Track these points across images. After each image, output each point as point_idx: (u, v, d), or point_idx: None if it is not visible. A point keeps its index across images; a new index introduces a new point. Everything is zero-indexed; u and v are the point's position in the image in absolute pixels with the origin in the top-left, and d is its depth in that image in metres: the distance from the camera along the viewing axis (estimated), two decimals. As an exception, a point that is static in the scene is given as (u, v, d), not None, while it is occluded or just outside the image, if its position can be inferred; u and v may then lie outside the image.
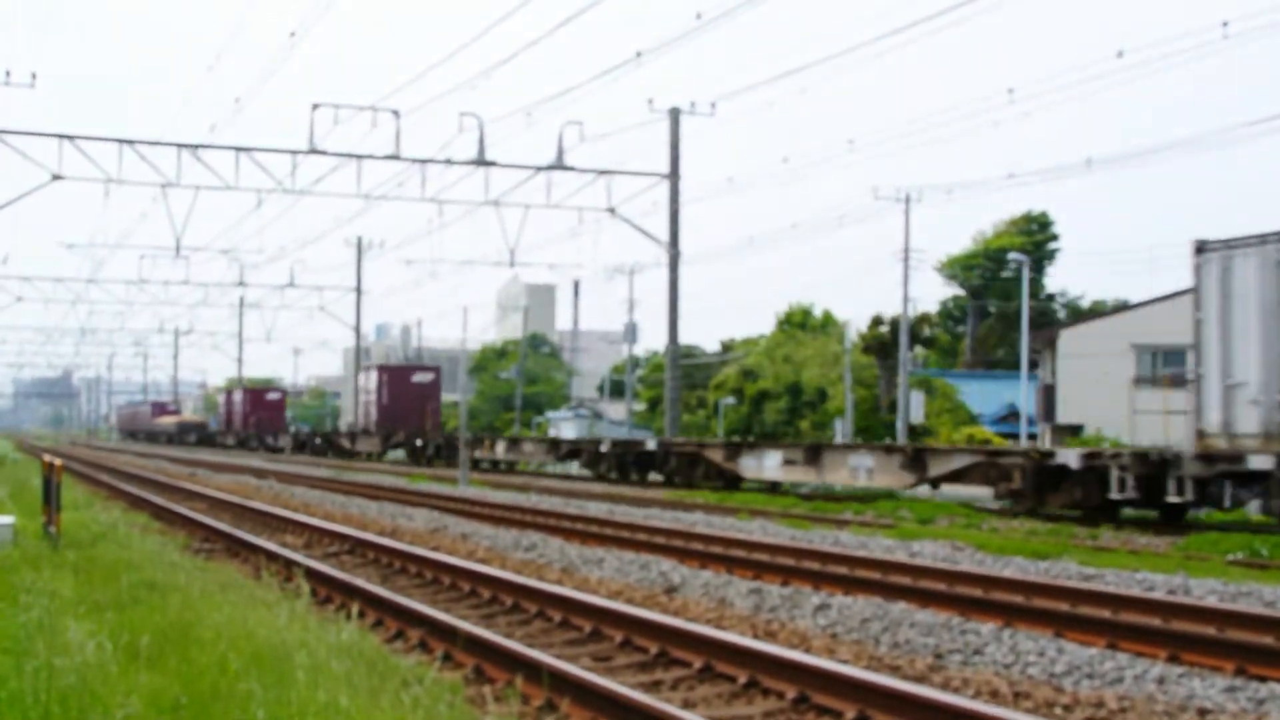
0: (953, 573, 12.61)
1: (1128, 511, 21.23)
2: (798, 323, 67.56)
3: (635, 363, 70.69)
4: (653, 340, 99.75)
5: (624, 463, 34.09)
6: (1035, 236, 72.84)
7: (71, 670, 6.72)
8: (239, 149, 33.48)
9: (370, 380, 56.29)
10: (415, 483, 31.82)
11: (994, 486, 22.30)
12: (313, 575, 11.68)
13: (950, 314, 77.84)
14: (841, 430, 49.02)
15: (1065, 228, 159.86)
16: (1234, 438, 18.64)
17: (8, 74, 30.12)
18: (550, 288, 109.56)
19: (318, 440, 64.31)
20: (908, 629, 9.70)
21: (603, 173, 35.88)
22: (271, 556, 13.80)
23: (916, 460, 23.83)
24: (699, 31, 24.38)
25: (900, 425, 45.61)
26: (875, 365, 54.98)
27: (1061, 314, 74.21)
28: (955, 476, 23.36)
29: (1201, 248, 19.33)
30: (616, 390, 77.66)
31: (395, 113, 32.05)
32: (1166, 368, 46.55)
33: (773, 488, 29.12)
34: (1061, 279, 76.99)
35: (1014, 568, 13.66)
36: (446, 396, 69.36)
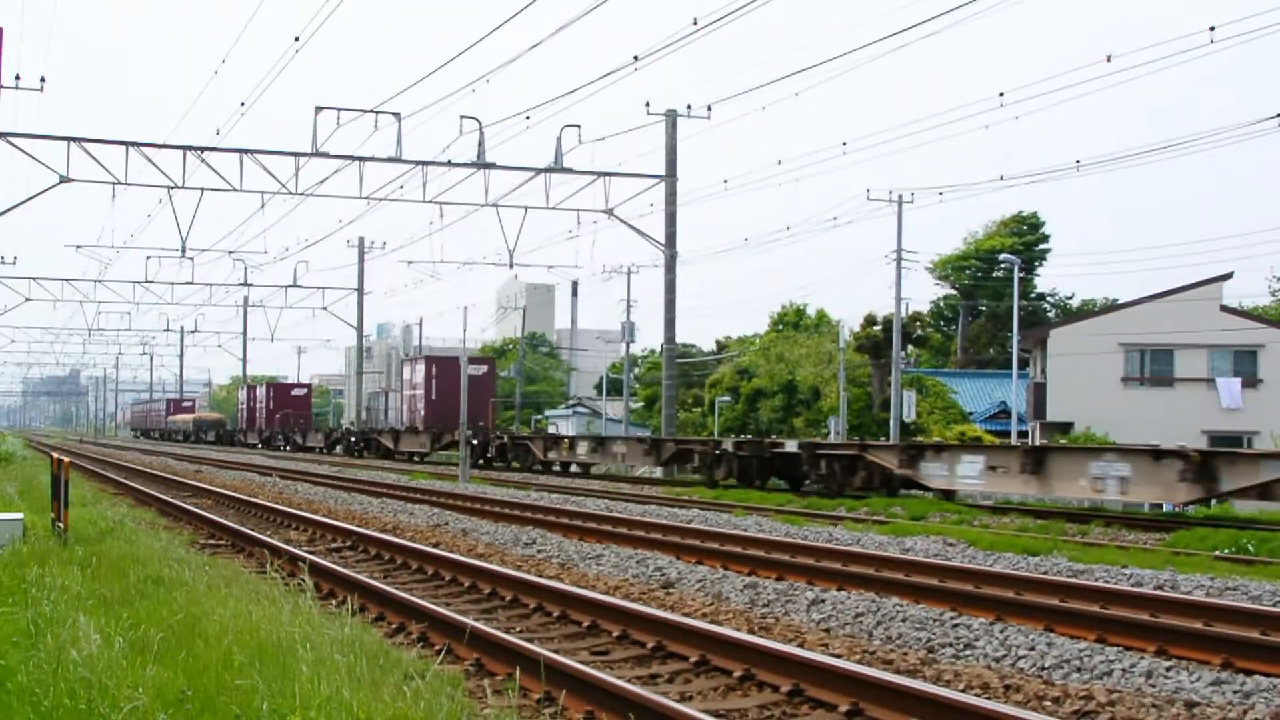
0: (945, 568, 12.75)
1: (1118, 508, 21.32)
2: (792, 322, 67.71)
3: (633, 361, 70.75)
4: (650, 339, 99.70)
5: (753, 467, 28.69)
6: (1026, 237, 73.03)
7: (80, 663, 6.85)
8: (243, 152, 33.62)
9: (416, 373, 51.15)
10: (416, 480, 31.95)
11: None
12: (316, 570, 11.81)
13: (942, 314, 78.02)
14: (835, 428, 49.17)
15: (1055, 229, 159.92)
16: None
17: (17, 78, 30.26)
18: (549, 288, 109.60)
19: (353, 439, 59.14)
20: (900, 623, 9.82)
21: (601, 175, 35.98)
22: (275, 552, 13.93)
23: (1205, 470, 18.79)
24: (695, 37, 24.44)
25: (893, 423, 45.78)
26: (868, 364, 55.16)
27: (1052, 314, 74.36)
28: (1263, 491, 18.64)
29: None
30: (614, 389, 77.71)
31: (397, 116, 32.18)
32: (1155, 366, 46.74)
33: (946, 497, 23.42)
34: (1052, 279, 77.15)
35: (1005, 563, 13.79)
36: None
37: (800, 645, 9.02)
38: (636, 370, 74.09)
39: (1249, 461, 18.93)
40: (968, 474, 22.64)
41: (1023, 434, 48.66)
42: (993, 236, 73.88)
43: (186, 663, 7.19)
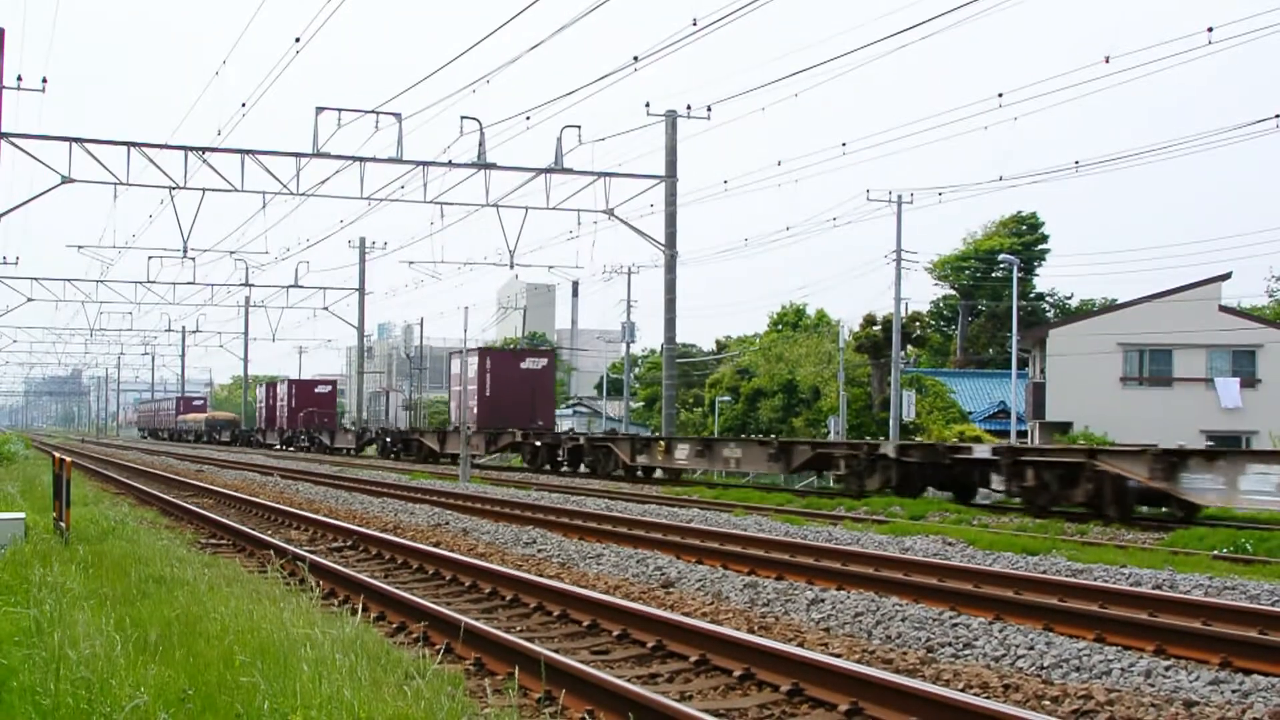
0: (944, 567, 12.78)
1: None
2: (792, 322, 67.76)
3: (633, 361, 70.78)
4: (650, 339, 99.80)
5: (922, 476, 24.46)
6: (1025, 237, 73.11)
7: (82, 662, 6.87)
8: (245, 152, 33.66)
9: (470, 367, 45.42)
10: (416, 479, 31.97)
11: None
12: (317, 570, 11.83)
13: (941, 314, 78.09)
14: (835, 428, 49.22)
15: (1055, 229, 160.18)
16: None
17: (19, 79, 30.29)
18: (549, 288, 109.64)
19: (389, 439, 53.94)
20: (900, 623, 9.84)
21: (601, 175, 36.01)
22: (277, 551, 13.95)
23: None
24: (695, 37, 24.44)
25: (893, 423, 45.83)
26: (868, 364, 55.19)
27: (1050, 314, 74.42)
28: None
29: None
30: (614, 389, 77.74)
31: (397, 116, 32.21)
32: (1154, 366, 46.79)
33: (1188, 513, 19.74)
34: (1051, 279, 77.26)
35: (1004, 563, 13.81)
36: (446, 394, 68.55)
37: (800, 645, 9.04)
38: (636, 370, 74.12)
39: None
40: (1258, 489, 18.29)
41: (1021, 434, 48.70)
42: (992, 236, 73.95)
43: (188, 662, 7.21)
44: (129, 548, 13.19)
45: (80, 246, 51.43)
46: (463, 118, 33.31)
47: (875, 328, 53.77)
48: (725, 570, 13.11)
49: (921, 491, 24.39)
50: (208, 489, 27.36)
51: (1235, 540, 16.13)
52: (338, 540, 16.76)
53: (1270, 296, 68.49)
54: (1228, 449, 21.72)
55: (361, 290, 66.11)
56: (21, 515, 14.61)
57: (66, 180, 32.30)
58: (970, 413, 57.75)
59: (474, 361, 45.31)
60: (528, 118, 31.15)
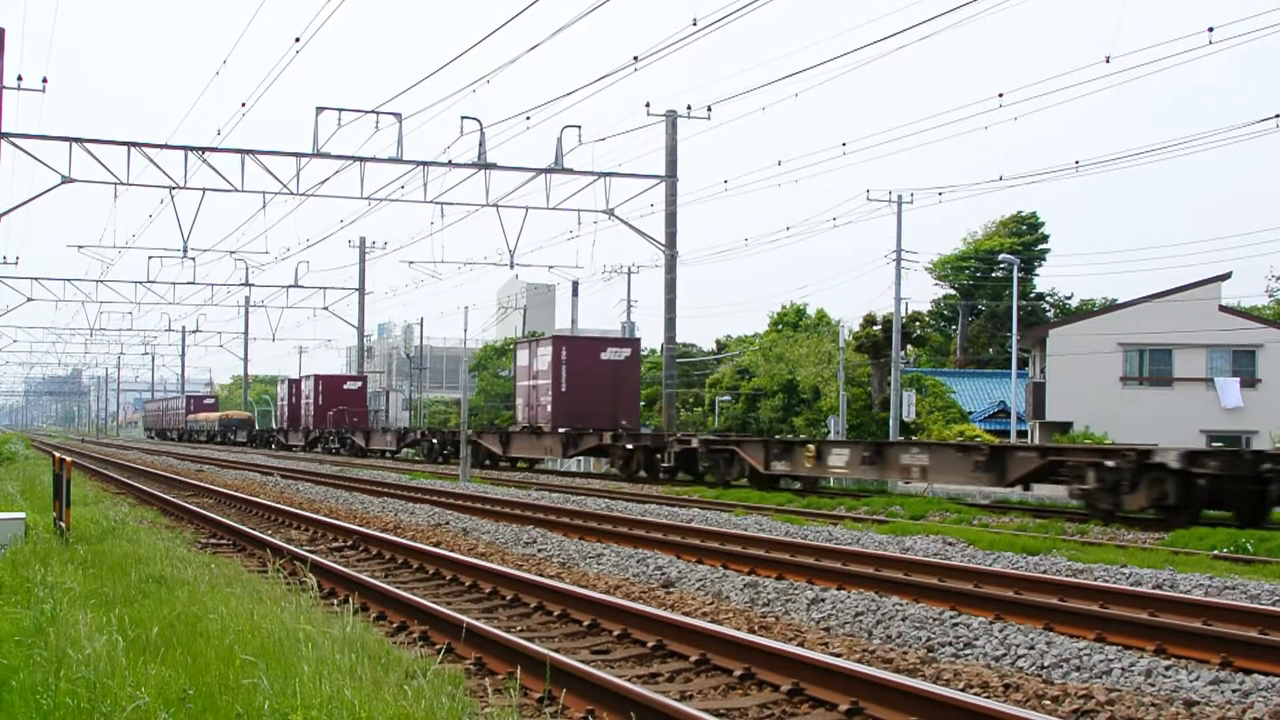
0: (944, 567, 12.78)
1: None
2: (792, 322, 67.79)
3: (634, 361, 70.67)
4: (650, 339, 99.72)
5: (1223, 492, 18.75)
6: (1025, 237, 73.15)
7: (82, 662, 6.87)
8: (245, 152, 33.69)
9: (541, 358, 39.01)
10: (417, 479, 31.98)
11: None
12: (317, 569, 11.84)
13: (941, 313, 78.14)
14: (835, 428, 49.25)
15: (1055, 229, 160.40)
16: None
17: (19, 79, 30.31)
18: (549, 288, 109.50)
19: (434, 440, 48.24)
20: (900, 622, 9.84)
21: (601, 175, 36.03)
22: (277, 551, 13.96)
23: None
24: (695, 37, 24.43)
25: (893, 422, 45.84)
26: (868, 364, 55.20)
27: (1050, 313, 74.45)
28: None
29: None
30: (615, 388, 77.64)
31: (397, 116, 32.24)
32: (1154, 366, 46.81)
33: None
34: (1051, 279, 77.39)
35: (1004, 562, 13.82)
36: (447, 394, 68.02)
37: (800, 644, 9.05)
38: (637, 370, 74.06)
39: None
40: None
41: (1021, 434, 48.73)
42: (992, 236, 73.99)
43: (188, 662, 7.21)
44: (129, 548, 13.19)
45: (80, 246, 51.50)
46: (463, 118, 33.36)
47: (875, 328, 53.79)
48: (725, 570, 13.11)
49: (1199, 514, 19.15)
50: (208, 489, 27.36)
51: (1235, 540, 16.13)
52: (338, 540, 16.76)
53: (1270, 296, 68.53)
54: None
55: (361, 290, 66.16)
56: (21, 515, 14.62)
57: (66, 180, 32.32)
58: (970, 413, 57.80)
59: (547, 351, 38.68)
60: (528, 118, 31.18)
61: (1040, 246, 75.08)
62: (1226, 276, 47.43)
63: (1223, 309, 47.19)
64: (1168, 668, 8.15)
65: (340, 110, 32.10)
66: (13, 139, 31.32)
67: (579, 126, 34.55)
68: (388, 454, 54.03)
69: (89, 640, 7.39)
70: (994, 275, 72.66)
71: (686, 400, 65.61)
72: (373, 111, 31.81)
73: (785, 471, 27.62)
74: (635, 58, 26.70)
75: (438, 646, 8.92)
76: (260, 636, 7.67)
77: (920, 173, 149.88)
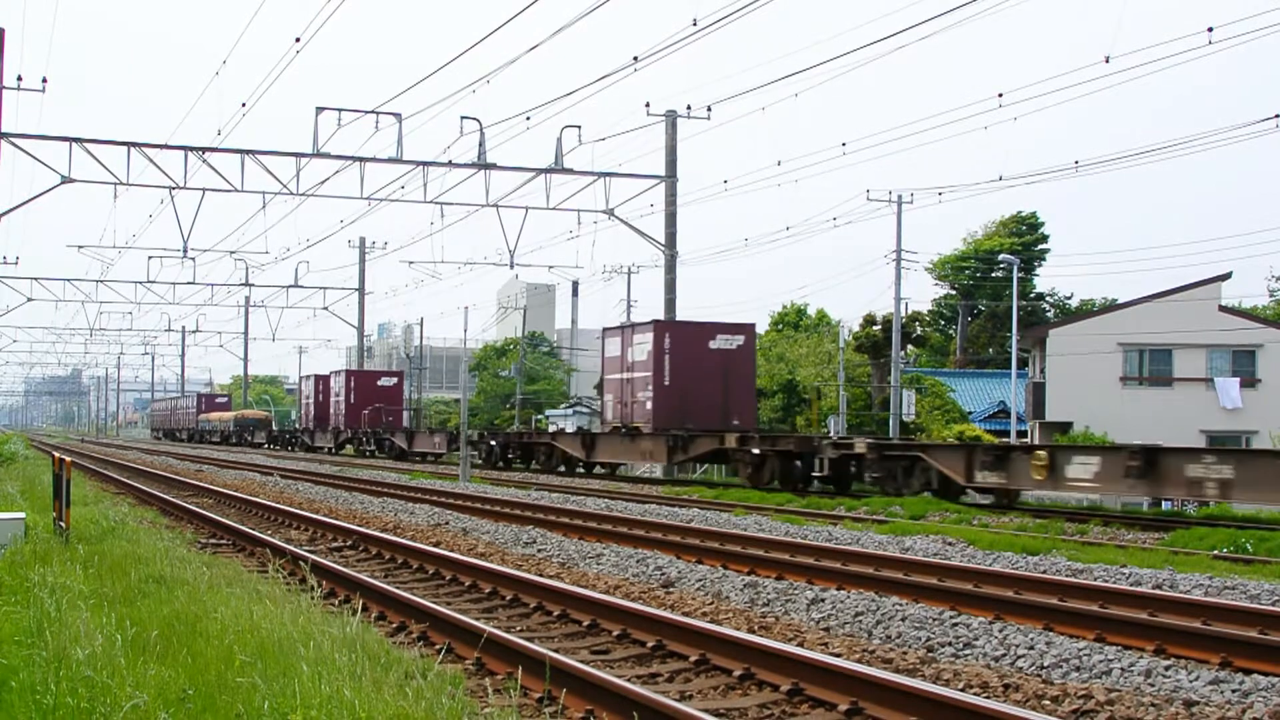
0: (944, 567, 12.79)
1: (1117, 507, 21.28)
2: (792, 322, 67.79)
3: (634, 361, 70.69)
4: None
5: None
6: (1025, 237, 73.16)
7: (81, 662, 6.88)
8: (245, 152, 33.71)
9: (637, 347, 33.20)
10: (416, 479, 31.98)
11: None
12: (317, 570, 11.84)
13: (941, 313, 78.12)
14: (835, 427, 49.24)
15: (1054, 229, 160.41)
16: None
17: (19, 79, 30.34)
18: (549, 288, 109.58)
19: (494, 443, 42.23)
20: (900, 622, 9.85)
21: (601, 175, 36.05)
22: (277, 551, 13.96)
23: None
24: (695, 37, 24.43)
25: (893, 423, 45.86)
26: (868, 364, 55.22)
27: (1050, 313, 74.46)
28: None
29: None
30: (615, 388, 77.66)
31: (397, 116, 32.26)
32: (1153, 366, 46.82)
33: None
34: (1050, 279, 77.44)
35: (1004, 562, 13.82)
36: (447, 394, 67.50)
37: (800, 644, 9.05)
38: (637, 370, 74.06)
39: None
40: None
41: (1021, 434, 48.72)
42: (992, 236, 74.00)
43: (188, 662, 7.22)
44: (129, 548, 13.20)
45: (80, 246, 51.52)
46: (463, 118, 33.38)
47: (875, 328, 53.80)
48: (725, 570, 13.11)
49: None
50: (207, 489, 27.37)
51: (1235, 540, 16.14)
52: (338, 540, 16.77)
53: (1270, 296, 68.55)
54: None
55: (361, 290, 66.15)
56: (21, 515, 14.63)
57: (66, 180, 32.34)
58: (970, 413, 57.79)
59: (646, 339, 32.87)
60: (528, 118, 31.18)
61: (1040, 246, 75.09)
62: (1226, 276, 47.44)
63: (1223, 309, 47.20)
64: (1167, 668, 8.16)
65: (340, 110, 32.14)
66: (13, 139, 31.33)
67: (579, 126, 34.57)
68: (431, 457, 49.17)
69: (89, 640, 7.40)
70: (994, 275, 72.66)
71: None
72: (373, 111, 31.85)
73: (998, 484, 21.79)
74: (635, 58, 26.71)
75: (437, 646, 8.92)
76: (260, 636, 7.68)
77: (920, 173, 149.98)
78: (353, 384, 59.45)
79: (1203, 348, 46.01)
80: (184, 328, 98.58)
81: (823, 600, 10.86)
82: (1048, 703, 7.46)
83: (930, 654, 8.96)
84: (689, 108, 37.18)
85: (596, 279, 79.91)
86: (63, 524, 14.58)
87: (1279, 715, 7.09)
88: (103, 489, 28.10)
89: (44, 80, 30.70)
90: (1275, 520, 19.60)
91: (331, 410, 61.58)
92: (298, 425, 70.43)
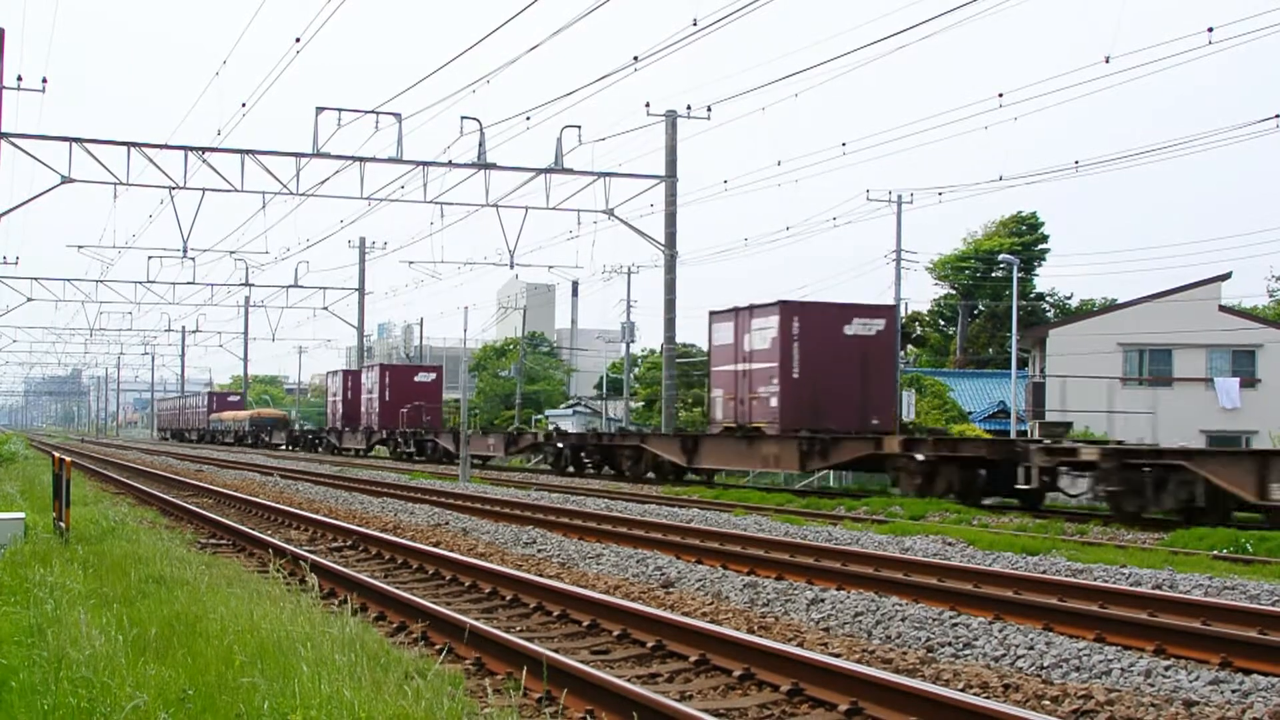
0: (944, 567, 12.79)
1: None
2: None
3: (633, 361, 70.81)
4: (650, 339, 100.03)
5: None
6: (1025, 237, 73.15)
7: (82, 662, 6.89)
8: (245, 152, 33.73)
9: (758, 334, 28.51)
10: (416, 479, 31.98)
11: None
12: (317, 570, 11.84)
13: (941, 313, 78.12)
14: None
15: (1054, 229, 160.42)
16: None
17: (19, 79, 30.36)
18: (549, 288, 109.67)
19: (561, 446, 37.67)
20: (900, 623, 9.85)
21: (601, 175, 36.06)
22: (277, 551, 13.96)
23: None
24: (695, 37, 24.46)
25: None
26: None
27: (1050, 314, 74.46)
28: None
29: None
30: (614, 389, 77.78)
31: (397, 116, 32.28)
32: (1153, 366, 46.82)
33: None
34: (1050, 279, 77.46)
35: (1004, 562, 13.82)
36: (447, 394, 66.99)
37: (800, 644, 9.05)
38: (636, 370, 74.13)
39: None
40: None
41: (1021, 434, 48.71)
42: (992, 237, 73.99)
43: (188, 662, 7.22)
44: (129, 548, 13.20)
45: (80, 246, 51.55)
46: (463, 118, 33.39)
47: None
48: (725, 570, 13.12)
49: None
50: (207, 489, 27.37)
51: (1235, 540, 16.14)
52: (338, 540, 16.77)
53: (1270, 296, 68.52)
54: None
55: (361, 290, 66.17)
56: (21, 515, 14.64)
57: (66, 180, 32.35)
58: (970, 412, 57.75)
59: (769, 323, 27.93)
60: (528, 118, 31.20)
61: (1040, 246, 75.06)
62: (1226, 276, 47.45)
63: (1223, 309, 47.20)
64: (1167, 668, 8.16)
65: (340, 110, 32.15)
66: (13, 139, 31.34)
67: (579, 126, 34.58)
68: (495, 458, 44.87)
69: (89, 640, 7.40)
70: (994, 275, 72.66)
71: (686, 401, 65.62)
72: (373, 111, 31.86)
73: None
74: (635, 58, 26.73)
75: (437, 646, 8.92)
76: (260, 636, 7.68)
77: (920, 173, 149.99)
78: (388, 380, 54.59)
79: (1202, 348, 46.01)
80: (184, 328, 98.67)
81: (822, 600, 10.86)
82: (1048, 703, 7.46)
83: (930, 654, 8.96)
84: (689, 108, 37.23)
85: (596, 279, 79.91)
86: (62, 524, 14.58)
87: (1279, 715, 7.09)
88: (102, 489, 28.10)
89: (44, 80, 30.75)
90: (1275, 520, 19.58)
91: (363, 409, 56.89)
92: (325, 425, 65.46)
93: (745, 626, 9.95)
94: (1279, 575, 13.18)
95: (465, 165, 34.55)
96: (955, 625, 9.64)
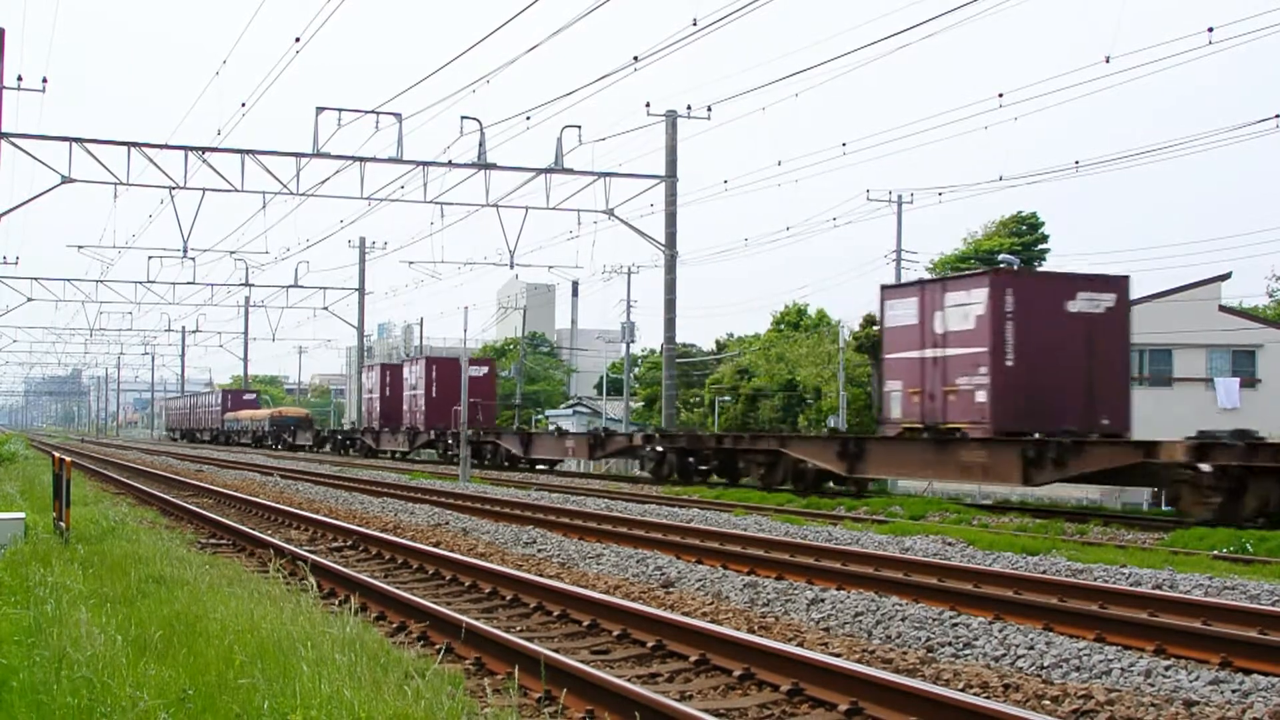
0: (944, 567, 12.79)
1: (1118, 507, 21.24)
2: (792, 322, 67.82)
3: (633, 361, 70.83)
4: (650, 339, 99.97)
5: None
6: (1025, 237, 73.17)
7: (82, 662, 6.89)
8: (245, 152, 33.72)
9: (954, 311, 22.99)
10: (416, 479, 31.97)
11: None
12: (317, 570, 11.84)
13: (942, 313, 78.12)
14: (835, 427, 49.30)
15: (1055, 229, 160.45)
16: None
17: (19, 79, 30.35)
18: (549, 288, 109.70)
19: (663, 449, 31.30)
20: (900, 622, 9.85)
21: (601, 175, 36.05)
22: (277, 551, 13.96)
23: None
24: (695, 37, 24.46)
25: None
26: (868, 363, 55.19)
27: (1052, 313, 74.40)
28: None
29: None
30: (614, 389, 77.80)
31: (397, 116, 32.27)
32: (1153, 366, 46.76)
33: None
34: (1051, 279, 77.21)
35: (1004, 562, 13.82)
36: None
37: (800, 644, 9.05)
38: (636, 370, 74.17)
39: None
40: None
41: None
42: (992, 237, 74.00)
43: (188, 662, 7.22)
44: (129, 548, 13.20)
45: (80, 246, 51.53)
46: (463, 118, 33.38)
47: (875, 328, 53.77)
48: (725, 570, 13.12)
49: None
50: (207, 489, 27.36)
51: (1235, 540, 16.13)
52: (338, 540, 16.77)
53: (1270, 296, 68.49)
54: None
55: (361, 290, 66.15)
56: (21, 515, 14.64)
57: (66, 180, 32.34)
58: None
59: (974, 297, 22.62)
60: (528, 118, 31.19)
61: (1040, 246, 75.07)
62: (1226, 276, 47.42)
63: (1223, 309, 47.18)
64: (1167, 668, 8.16)
65: (340, 110, 32.14)
66: (13, 139, 31.32)
67: (579, 126, 34.56)
68: (568, 461, 40.43)
69: (89, 640, 7.40)
70: (994, 275, 72.68)
71: (686, 401, 65.65)
72: (373, 111, 31.85)
73: None
74: (635, 58, 26.72)
75: (437, 646, 8.92)
76: (260, 636, 7.68)
77: (920, 173, 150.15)
78: (435, 375, 48.97)
79: (1202, 348, 45.99)
80: (184, 328, 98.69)
81: (822, 600, 10.86)
82: (1048, 703, 7.46)
83: (930, 654, 8.96)
84: (689, 108, 37.24)
85: (596, 279, 79.97)
86: (63, 524, 14.58)
87: (1279, 715, 7.09)
88: (103, 489, 28.10)
89: (44, 80, 30.73)
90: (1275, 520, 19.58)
91: (405, 407, 51.49)
92: (357, 425, 59.65)
93: (745, 626, 9.95)
94: (1279, 575, 13.18)
95: (465, 165, 34.55)
96: (955, 625, 9.64)
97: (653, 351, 79.99)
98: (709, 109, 35.68)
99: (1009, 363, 22.09)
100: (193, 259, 51.20)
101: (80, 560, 11.88)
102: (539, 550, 15.31)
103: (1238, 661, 8.60)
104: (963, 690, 7.61)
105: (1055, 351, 22.14)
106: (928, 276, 23.89)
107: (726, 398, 60.60)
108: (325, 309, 65.64)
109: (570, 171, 35.26)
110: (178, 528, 18.66)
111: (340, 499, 24.60)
